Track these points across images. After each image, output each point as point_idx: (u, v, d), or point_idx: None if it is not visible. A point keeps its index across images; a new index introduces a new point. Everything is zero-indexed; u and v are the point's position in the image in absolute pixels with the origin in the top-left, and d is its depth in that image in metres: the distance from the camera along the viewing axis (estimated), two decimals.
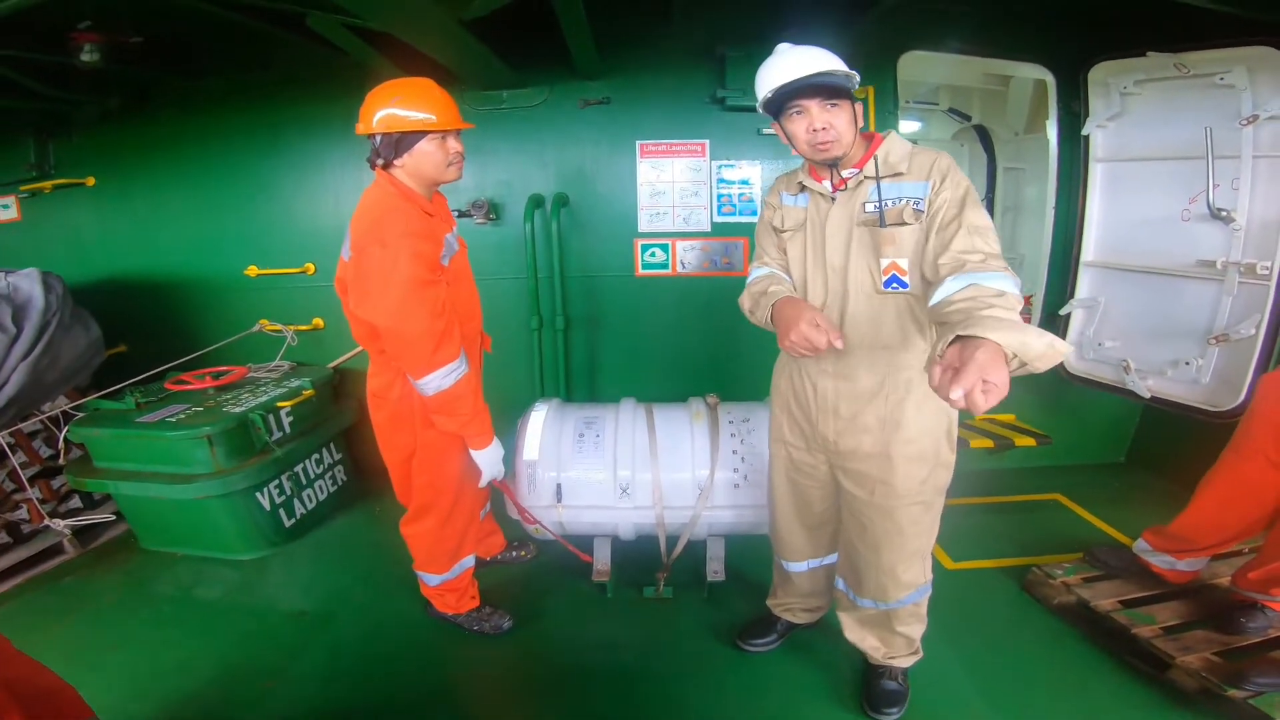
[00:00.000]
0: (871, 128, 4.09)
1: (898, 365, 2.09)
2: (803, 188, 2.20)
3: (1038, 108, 4.99)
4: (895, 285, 2.01)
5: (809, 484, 2.41)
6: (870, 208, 2.03)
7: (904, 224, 1.95)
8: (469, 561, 2.88)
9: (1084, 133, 4.03)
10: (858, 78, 2.00)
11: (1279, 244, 3.27)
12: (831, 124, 1.97)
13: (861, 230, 2.05)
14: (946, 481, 2.22)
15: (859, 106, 2.04)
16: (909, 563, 2.27)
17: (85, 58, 3.48)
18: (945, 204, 1.90)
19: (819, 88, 1.95)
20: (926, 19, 3.91)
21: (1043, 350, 1.43)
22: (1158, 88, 3.70)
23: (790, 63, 1.98)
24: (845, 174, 2.07)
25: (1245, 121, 3.30)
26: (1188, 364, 3.62)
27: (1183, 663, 2.47)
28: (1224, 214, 3.40)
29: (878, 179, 2.00)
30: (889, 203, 1.97)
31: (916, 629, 2.46)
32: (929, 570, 2.36)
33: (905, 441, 2.12)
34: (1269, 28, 3.17)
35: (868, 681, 2.54)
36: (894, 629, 2.43)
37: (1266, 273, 3.28)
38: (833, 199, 2.10)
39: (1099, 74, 3.91)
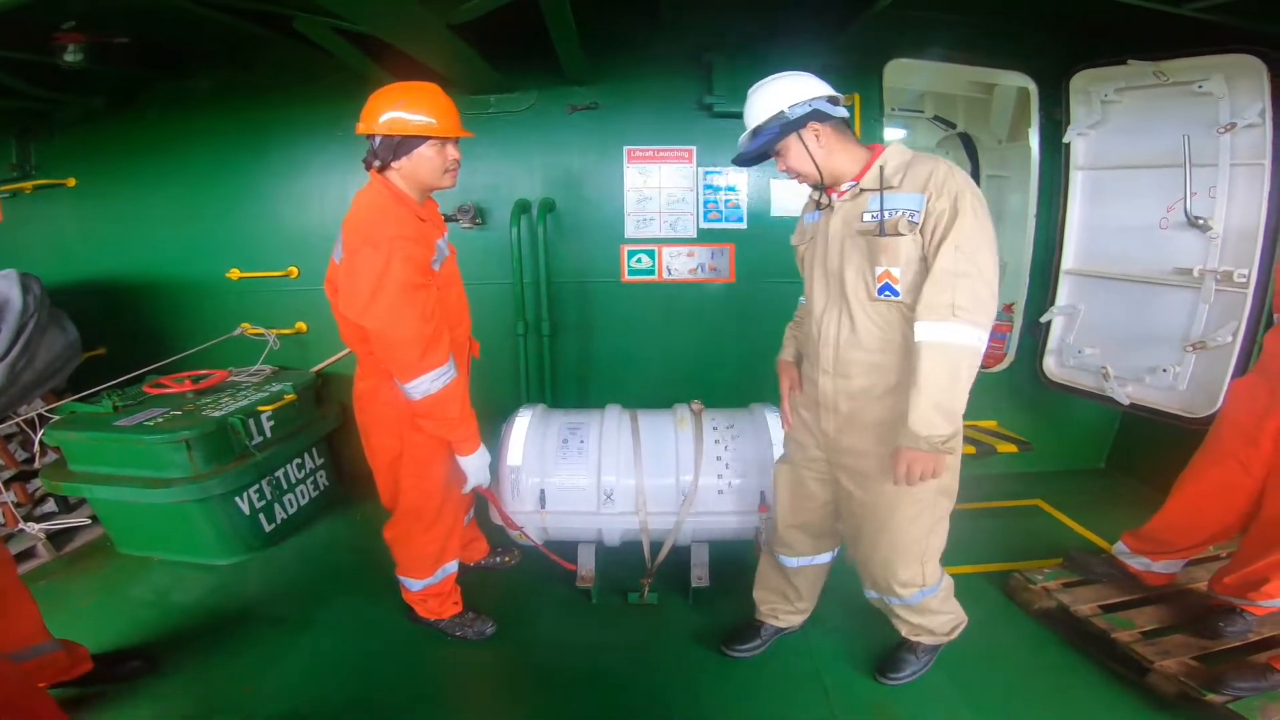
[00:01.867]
0: (857, 134, 4.18)
1: (892, 368, 2.13)
2: (817, 204, 2.30)
3: (1020, 115, 5.06)
4: (888, 293, 2.06)
5: (812, 479, 2.46)
6: (868, 217, 2.08)
7: (899, 235, 2.00)
8: (452, 567, 2.86)
9: (1064, 140, 4.07)
10: (794, 112, 2.09)
11: (1255, 252, 3.29)
12: (788, 167, 2.20)
13: (859, 239, 2.11)
14: (949, 484, 2.24)
15: (817, 131, 2.11)
16: (906, 562, 2.31)
17: (69, 58, 3.45)
18: (938, 219, 1.96)
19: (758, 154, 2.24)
20: (911, 27, 3.95)
21: (945, 429, 1.92)
22: (1137, 96, 3.76)
23: (745, 119, 2.22)
24: (844, 187, 2.16)
25: (1223, 129, 3.35)
26: (1165, 371, 3.67)
27: (1161, 667, 2.49)
28: (1201, 222, 3.44)
29: (880, 190, 2.05)
30: (888, 213, 2.02)
31: (933, 620, 2.53)
32: (933, 573, 2.39)
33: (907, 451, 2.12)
34: (1247, 36, 3.22)
35: (892, 647, 2.66)
36: (905, 619, 2.52)
37: (1243, 280, 3.32)
38: (832, 208, 2.18)
39: (1080, 82, 3.95)
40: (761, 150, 2.19)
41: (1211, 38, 3.32)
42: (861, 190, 2.11)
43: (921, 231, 1.99)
